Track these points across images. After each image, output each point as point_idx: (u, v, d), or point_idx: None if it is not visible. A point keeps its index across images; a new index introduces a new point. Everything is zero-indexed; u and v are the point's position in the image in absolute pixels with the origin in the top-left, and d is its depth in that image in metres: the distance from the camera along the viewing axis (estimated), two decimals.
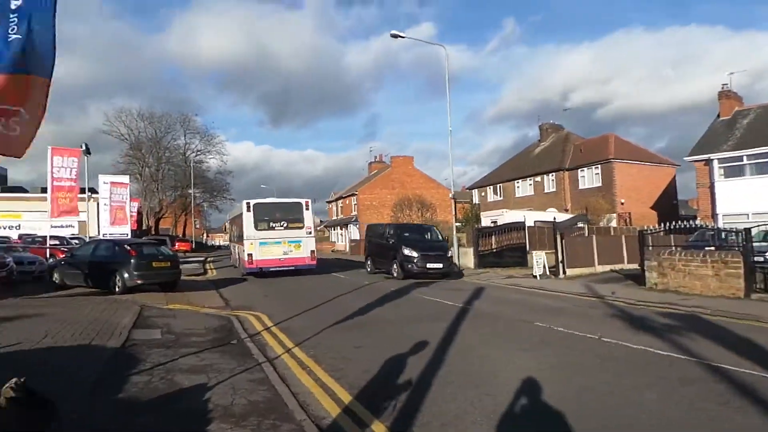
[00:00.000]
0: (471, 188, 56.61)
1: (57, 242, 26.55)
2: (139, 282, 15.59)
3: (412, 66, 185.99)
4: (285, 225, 24.03)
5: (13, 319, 10.36)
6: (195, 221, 79.63)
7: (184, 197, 70.07)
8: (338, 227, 68.14)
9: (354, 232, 61.07)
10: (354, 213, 62.64)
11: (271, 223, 23.97)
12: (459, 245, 28.98)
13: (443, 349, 8.13)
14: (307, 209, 24.31)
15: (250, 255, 23.18)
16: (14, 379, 3.23)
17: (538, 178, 46.55)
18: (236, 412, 5.59)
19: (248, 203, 24.12)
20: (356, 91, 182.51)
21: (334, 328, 10.30)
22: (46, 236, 23.48)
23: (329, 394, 6.32)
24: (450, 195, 31.98)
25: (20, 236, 33.56)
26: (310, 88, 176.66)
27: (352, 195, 63.26)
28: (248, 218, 23.78)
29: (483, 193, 53.26)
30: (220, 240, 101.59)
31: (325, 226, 77.08)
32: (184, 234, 75.21)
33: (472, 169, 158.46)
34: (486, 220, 47.50)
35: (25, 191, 50.15)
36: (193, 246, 62.17)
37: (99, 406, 5.66)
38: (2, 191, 51.89)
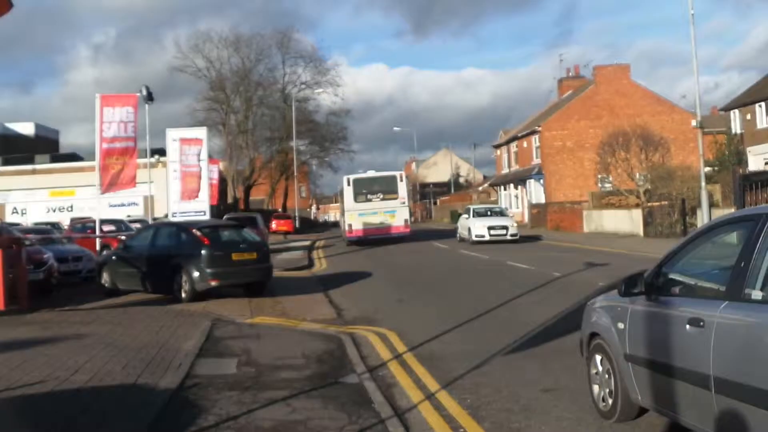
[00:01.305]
0: (727, 109, 51.91)
1: (113, 228, 28.36)
2: (213, 284, 16.29)
3: None
4: (381, 196, 38.49)
5: (43, 343, 11.06)
6: (300, 188, 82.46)
7: (283, 153, 72.05)
8: (510, 185, 66.81)
9: (536, 192, 59.29)
10: (535, 162, 60.85)
11: (369, 196, 38.51)
12: (710, 205, 28.12)
13: None
14: (401, 181, 38.99)
15: (350, 225, 38.48)
16: None
17: None
18: None
19: (348, 178, 39.62)
20: None
21: (505, 356, 10.22)
22: (97, 220, 25.16)
23: None
24: (694, 122, 31.84)
25: (72, 221, 36.49)
26: None
27: (532, 133, 61.65)
28: (348, 192, 38.71)
29: (748, 116, 48.18)
30: (334, 214, 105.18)
31: (491, 185, 76.23)
32: (284, 207, 77.78)
33: (729, 79, 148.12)
34: (756, 161, 44.68)
35: (80, 159, 53.09)
36: (296, 225, 64.31)
37: None
38: (52, 161, 55.57)
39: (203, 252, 16.32)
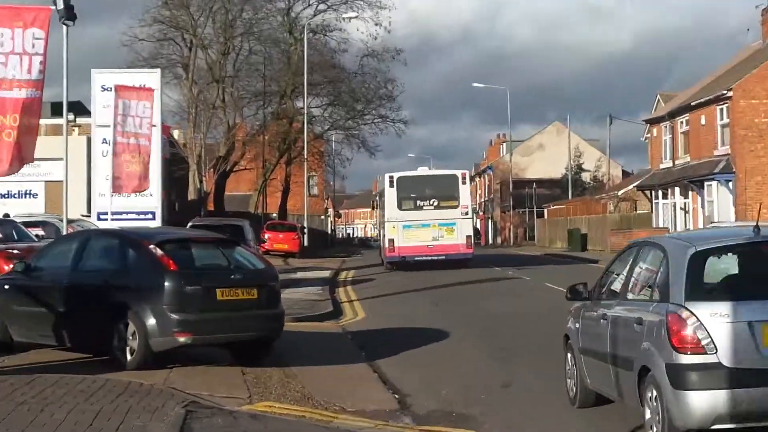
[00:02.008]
0: None
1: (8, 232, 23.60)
2: (181, 340, 13.15)
3: None
4: (435, 203, 38.87)
5: None
6: (310, 180, 67.07)
7: (284, 120, 57.01)
8: (674, 189, 51.93)
9: (722, 200, 45.45)
10: (721, 151, 46.26)
11: (418, 201, 39.03)
12: None
13: None
14: (464, 183, 39.67)
15: (391, 241, 38.88)
16: None
17: None
18: None
19: (391, 177, 39.84)
20: None
21: None
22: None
23: None
24: None
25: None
26: None
27: (716, 101, 46.89)
28: (390, 195, 39.46)
29: None
30: (365, 225, 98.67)
31: (639, 188, 60.49)
32: (283, 211, 65.83)
33: None
34: None
35: (83, 110, 45.24)
36: (304, 242, 54.93)
37: None
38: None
39: (167, 284, 13.15)
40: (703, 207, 48.19)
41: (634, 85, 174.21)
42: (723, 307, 7.48)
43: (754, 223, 8.52)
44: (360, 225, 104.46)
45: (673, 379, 7.55)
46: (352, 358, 16.43)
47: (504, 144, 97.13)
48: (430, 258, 37.83)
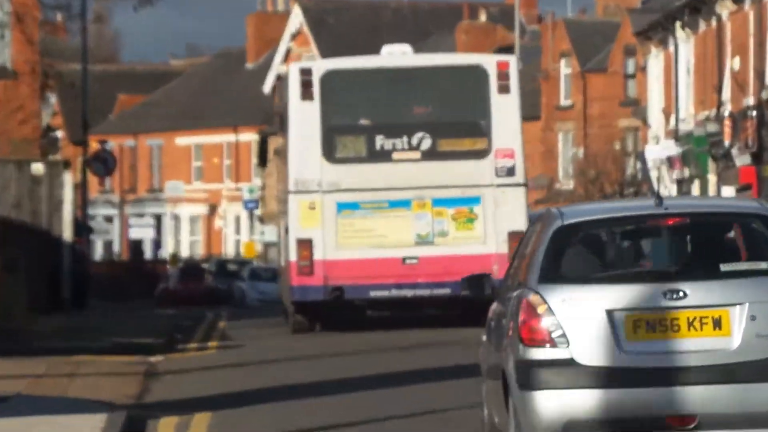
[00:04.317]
0: None
1: None
2: None
3: None
4: (426, 145, 17.61)
5: None
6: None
7: None
8: None
9: None
10: None
11: (380, 141, 17.53)
12: None
13: None
14: (504, 90, 17.31)
15: (305, 244, 16.84)
16: None
17: None
18: None
19: (305, 71, 17.53)
20: None
21: None
22: None
23: None
24: None
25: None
26: None
27: None
28: (304, 122, 17.48)
29: None
30: (232, 202, 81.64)
31: None
32: None
33: None
34: None
35: None
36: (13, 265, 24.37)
37: None
38: None
39: None
40: None
41: None
42: (579, 292, 6.16)
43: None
44: (199, 208, 72.69)
45: (520, 378, 6.21)
46: None
47: None
48: (406, 293, 17.36)
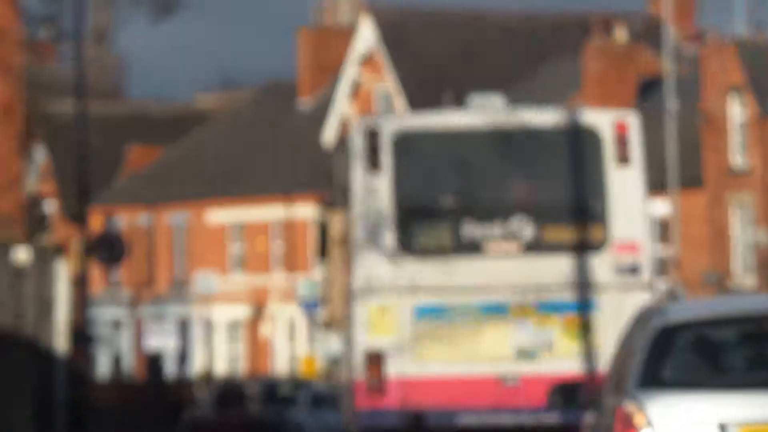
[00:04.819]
0: None
1: None
2: None
3: None
4: (524, 231, 15.90)
5: None
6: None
7: None
8: None
9: None
10: None
11: (468, 225, 16.04)
12: None
13: None
14: (624, 160, 15.91)
15: (375, 358, 15.86)
16: None
17: None
18: None
19: (372, 130, 16.37)
20: None
21: None
22: None
23: None
24: None
25: None
26: None
27: None
28: (369, 199, 16.37)
29: None
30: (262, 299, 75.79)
31: None
32: None
33: None
34: None
35: None
36: None
37: None
38: None
39: None
40: None
41: None
42: (686, 401, 5.30)
43: None
44: (240, 309, 73.51)
45: None
46: None
47: None
48: (505, 420, 15.15)
